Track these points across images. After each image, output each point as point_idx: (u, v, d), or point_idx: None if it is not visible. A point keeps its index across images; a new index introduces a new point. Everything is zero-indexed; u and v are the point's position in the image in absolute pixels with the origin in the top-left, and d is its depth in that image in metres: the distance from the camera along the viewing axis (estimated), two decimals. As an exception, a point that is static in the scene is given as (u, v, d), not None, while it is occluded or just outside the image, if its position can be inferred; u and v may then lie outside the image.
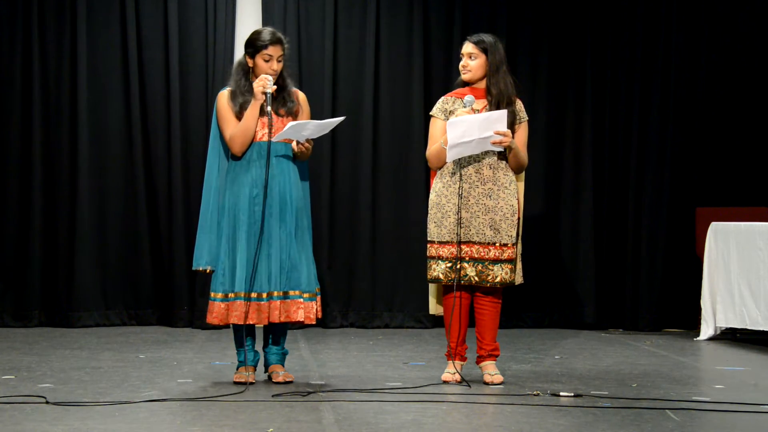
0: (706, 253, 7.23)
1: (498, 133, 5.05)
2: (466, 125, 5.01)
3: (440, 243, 5.20)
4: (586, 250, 7.88)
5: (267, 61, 5.12)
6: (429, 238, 5.25)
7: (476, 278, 5.17)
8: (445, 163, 5.21)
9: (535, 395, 4.90)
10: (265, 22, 7.52)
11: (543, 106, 7.90)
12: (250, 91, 5.12)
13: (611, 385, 5.26)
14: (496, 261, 5.17)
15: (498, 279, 5.17)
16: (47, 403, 4.56)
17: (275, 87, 5.11)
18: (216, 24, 7.64)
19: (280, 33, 5.20)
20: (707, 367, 6.21)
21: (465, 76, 5.25)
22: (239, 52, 7.58)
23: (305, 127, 5.03)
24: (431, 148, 5.26)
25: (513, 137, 5.15)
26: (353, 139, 7.80)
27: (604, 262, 7.93)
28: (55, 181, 7.64)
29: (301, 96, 5.30)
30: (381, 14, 7.81)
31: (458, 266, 5.15)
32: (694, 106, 7.97)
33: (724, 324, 7.10)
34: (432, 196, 5.27)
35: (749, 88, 8.02)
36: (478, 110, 5.18)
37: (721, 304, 7.06)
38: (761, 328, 6.70)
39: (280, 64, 5.15)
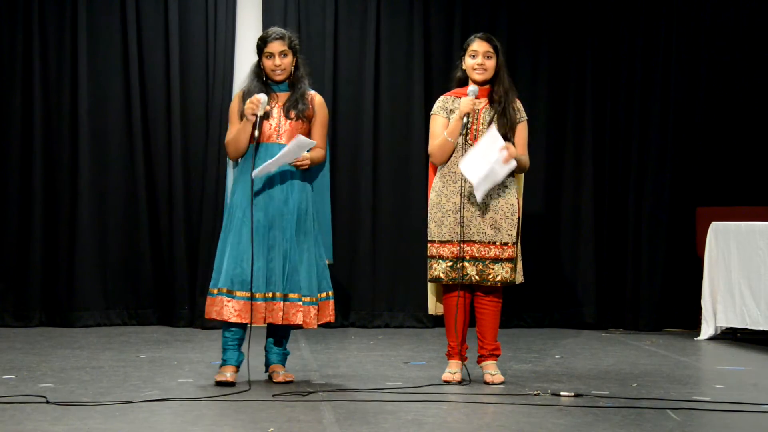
0: (706, 252, 7.23)
1: (502, 150, 5.04)
2: (474, 159, 5.01)
3: (441, 242, 5.20)
4: (586, 250, 7.88)
5: (269, 58, 5.13)
6: (429, 238, 5.25)
7: (477, 277, 5.16)
8: (449, 157, 5.18)
9: (535, 395, 4.90)
10: (265, 22, 7.53)
11: (543, 106, 7.90)
12: (261, 92, 5.10)
13: (612, 384, 5.26)
14: (496, 260, 5.16)
15: (498, 278, 5.17)
16: (48, 402, 4.56)
17: (268, 107, 5.09)
18: (216, 24, 7.63)
19: (286, 30, 5.20)
20: (707, 366, 6.21)
21: (480, 76, 5.19)
22: (239, 52, 7.62)
23: (277, 161, 5.00)
24: (435, 142, 5.23)
25: (514, 136, 5.17)
26: (353, 139, 7.80)
27: (604, 261, 7.93)
28: (56, 180, 7.64)
29: (318, 100, 5.23)
30: (381, 14, 7.81)
31: (459, 266, 5.15)
32: (694, 105, 7.97)
33: (724, 324, 7.09)
34: (432, 195, 5.26)
35: (750, 87, 8.01)
36: (478, 110, 5.19)
37: (722, 303, 7.06)
38: (762, 328, 6.70)
39: (286, 59, 5.13)
